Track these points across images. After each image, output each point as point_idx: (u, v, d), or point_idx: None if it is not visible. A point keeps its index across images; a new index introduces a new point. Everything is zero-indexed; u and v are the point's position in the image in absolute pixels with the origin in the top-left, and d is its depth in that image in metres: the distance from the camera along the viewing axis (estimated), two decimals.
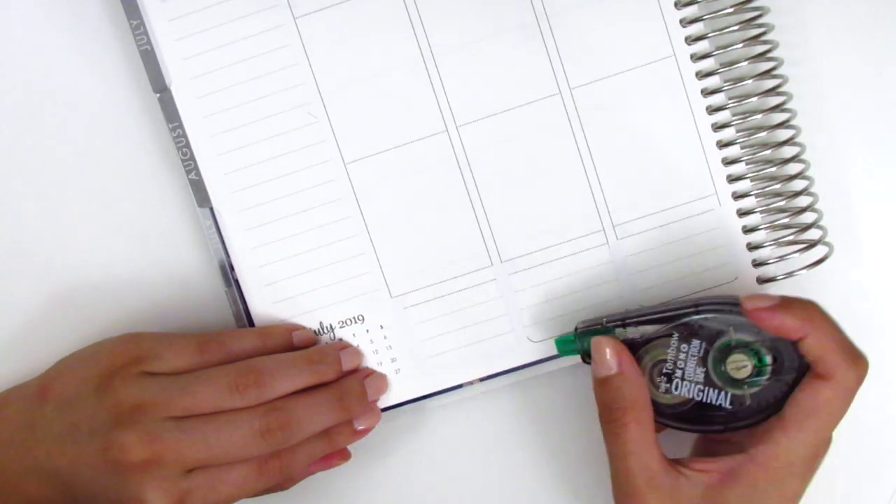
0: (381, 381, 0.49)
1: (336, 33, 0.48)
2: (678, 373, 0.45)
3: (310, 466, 0.48)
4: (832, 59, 0.50)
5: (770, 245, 0.49)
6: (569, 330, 0.48)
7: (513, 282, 0.49)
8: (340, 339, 0.50)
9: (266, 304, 0.49)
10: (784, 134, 0.48)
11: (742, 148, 0.48)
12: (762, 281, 0.49)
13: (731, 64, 0.47)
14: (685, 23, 0.47)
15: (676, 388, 0.46)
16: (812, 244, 0.48)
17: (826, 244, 0.49)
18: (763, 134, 0.48)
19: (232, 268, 0.49)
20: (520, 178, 0.49)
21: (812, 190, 0.49)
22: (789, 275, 0.49)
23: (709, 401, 0.45)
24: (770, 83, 0.48)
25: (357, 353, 0.49)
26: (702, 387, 0.45)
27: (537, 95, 0.48)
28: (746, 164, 0.48)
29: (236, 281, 0.49)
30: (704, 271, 0.49)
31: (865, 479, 0.53)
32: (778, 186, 0.48)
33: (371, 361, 0.50)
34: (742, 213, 0.49)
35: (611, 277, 0.49)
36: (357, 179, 0.49)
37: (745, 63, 0.47)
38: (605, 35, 0.48)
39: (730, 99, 0.48)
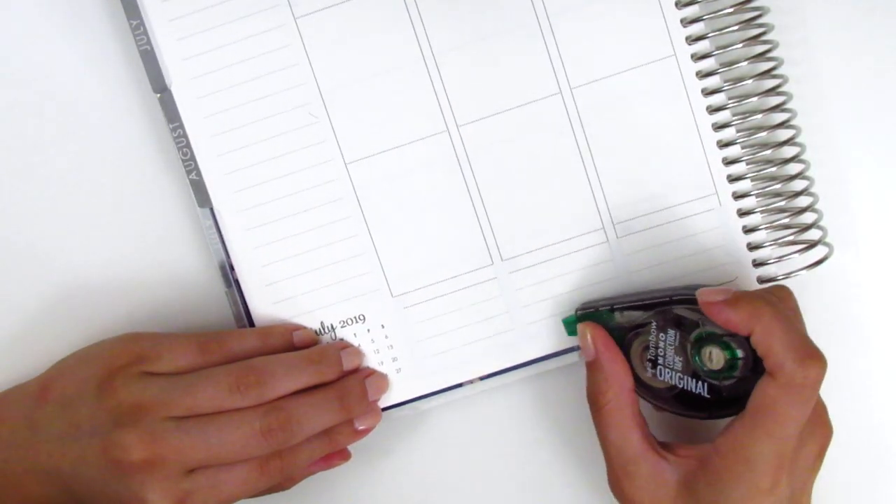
0: (381, 380, 0.49)
1: (336, 33, 0.48)
2: (660, 360, 0.46)
3: (310, 466, 0.48)
4: (832, 59, 0.50)
5: (770, 245, 0.49)
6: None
7: (513, 280, 0.49)
8: (341, 339, 0.50)
9: (266, 305, 0.49)
10: (784, 134, 0.48)
11: (742, 148, 0.48)
12: (762, 281, 0.49)
13: (731, 64, 0.48)
14: (686, 22, 0.47)
15: (660, 374, 0.46)
16: (812, 244, 0.48)
17: (826, 244, 0.49)
18: (763, 134, 0.48)
19: (232, 268, 0.49)
20: (520, 178, 0.49)
21: (812, 190, 0.49)
22: (789, 275, 0.49)
23: (688, 389, 0.46)
24: (770, 83, 0.48)
25: (358, 352, 0.49)
26: (681, 375, 0.46)
27: (538, 95, 0.48)
28: (747, 163, 0.48)
29: (236, 281, 0.49)
30: (704, 271, 0.49)
31: (868, 478, 0.53)
32: (778, 186, 0.48)
33: (372, 361, 0.50)
34: (742, 213, 0.49)
35: (611, 276, 0.49)
36: (358, 179, 0.49)
37: (746, 63, 0.47)
38: (605, 35, 0.48)
39: (730, 99, 0.48)
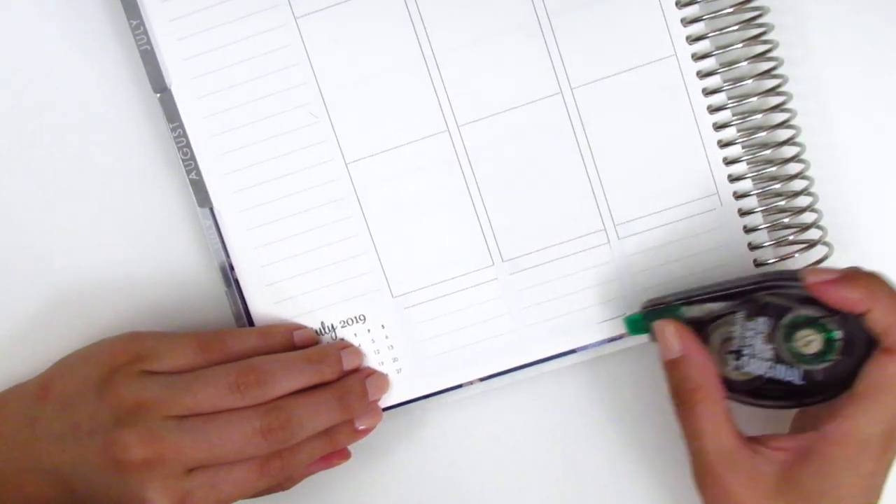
0: (382, 380, 0.49)
1: (337, 33, 0.48)
2: (746, 350, 0.45)
3: (310, 466, 0.48)
4: (832, 59, 0.50)
5: (770, 245, 0.49)
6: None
7: (514, 281, 0.49)
8: (342, 339, 0.50)
9: (266, 305, 0.49)
10: (784, 134, 0.48)
11: (743, 148, 0.48)
12: None
13: (731, 64, 0.48)
14: (686, 22, 0.47)
15: (745, 366, 0.45)
16: (812, 244, 0.48)
17: (826, 244, 0.49)
18: (763, 134, 0.48)
19: (232, 268, 0.49)
20: (521, 178, 0.49)
21: (812, 190, 0.49)
22: None
23: (779, 377, 0.45)
24: (770, 83, 0.48)
25: (358, 352, 0.49)
26: (771, 363, 0.45)
27: (538, 95, 0.48)
28: (747, 163, 0.48)
29: (236, 281, 0.49)
30: (705, 271, 0.49)
31: None
32: (778, 186, 0.48)
33: (372, 361, 0.50)
34: (743, 213, 0.49)
35: (612, 277, 0.49)
36: (358, 179, 0.49)
37: (746, 63, 0.47)
38: (606, 34, 0.48)
39: (730, 99, 0.48)
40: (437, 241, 0.49)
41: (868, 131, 0.51)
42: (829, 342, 0.44)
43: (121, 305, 0.51)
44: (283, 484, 0.47)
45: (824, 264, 0.49)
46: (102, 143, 0.50)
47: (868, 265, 0.50)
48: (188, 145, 0.48)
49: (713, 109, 0.48)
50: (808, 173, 0.49)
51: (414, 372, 0.50)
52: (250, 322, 0.49)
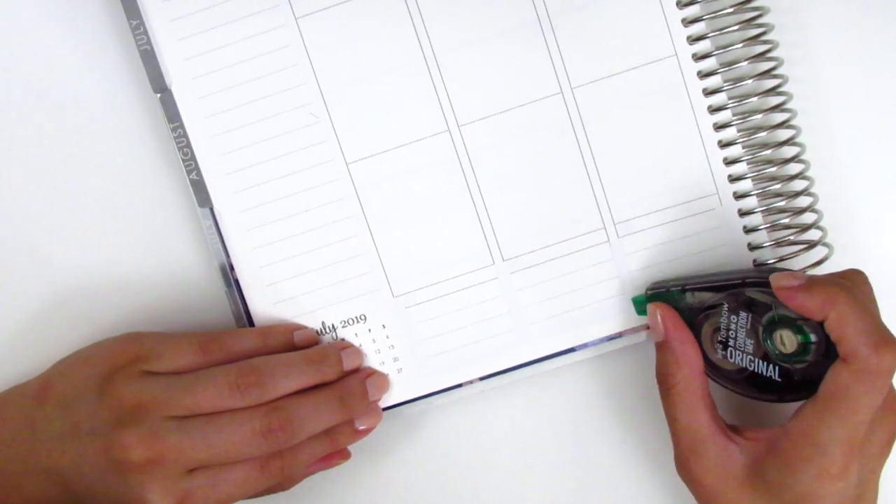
0: (382, 380, 0.49)
1: (337, 33, 0.48)
2: (731, 342, 0.46)
3: (310, 466, 0.48)
4: (832, 59, 0.50)
5: (770, 245, 0.49)
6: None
7: (514, 280, 0.49)
8: (342, 339, 0.50)
9: (267, 305, 0.49)
10: (784, 134, 0.48)
11: (743, 148, 0.48)
12: None
13: (731, 64, 0.48)
14: (686, 22, 0.47)
15: (731, 357, 0.46)
16: (812, 244, 0.48)
17: (826, 245, 0.49)
18: (764, 134, 0.48)
19: (232, 268, 0.49)
20: (521, 177, 0.49)
21: (812, 190, 0.49)
22: None
23: (759, 371, 0.45)
24: (770, 83, 0.48)
25: (358, 352, 0.49)
26: (752, 357, 0.45)
27: (539, 95, 0.48)
28: (747, 164, 0.48)
29: (236, 281, 0.49)
30: (705, 271, 0.49)
31: None
32: (778, 186, 0.49)
33: (373, 361, 0.50)
34: (743, 213, 0.49)
35: (612, 275, 0.49)
36: (359, 179, 0.49)
37: (746, 63, 0.47)
38: (606, 34, 0.48)
39: (730, 99, 0.48)
40: (438, 241, 0.49)
41: (868, 131, 0.51)
42: (804, 344, 0.44)
43: (121, 305, 0.51)
44: (283, 484, 0.47)
45: (825, 265, 0.49)
46: (102, 143, 0.50)
47: (868, 265, 0.50)
48: (188, 145, 0.48)
49: (713, 109, 0.48)
50: (808, 173, 0.49)
51: (414, 371, 0.50)
52: (250, 322, 0.49)
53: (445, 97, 0.48)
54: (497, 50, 0.48)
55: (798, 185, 0.49)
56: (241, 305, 0.49)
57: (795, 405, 0.45)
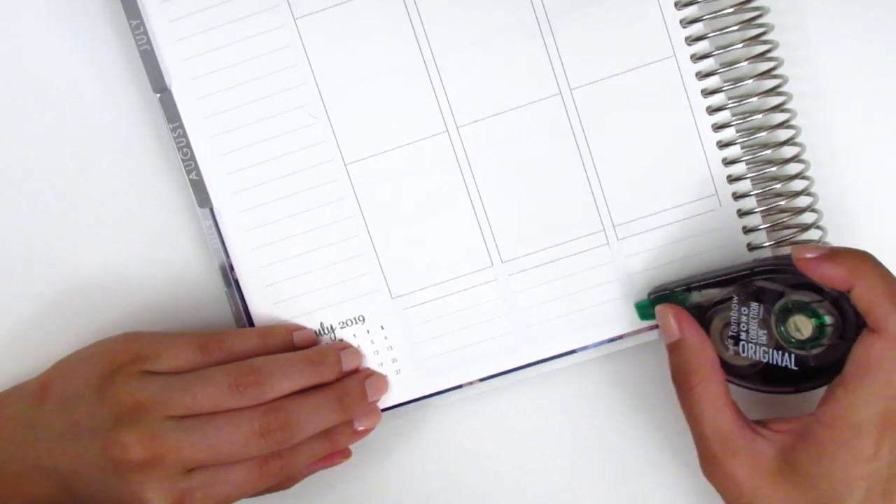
0: (381, 381, 0.49)
1: (336, 34, 0.48)
2: (743, 335, 0.45)
3: (310, 466, 0.48)
4: (832, 59, 0.50)
5: (770, 245, 0.49)
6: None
7: (513, 282, 0.49)
8: (341, 340, 0.50)
9: (266, 305, 0.49)
10: (784, 134, 0.48)
11: (742, 148, 0.48)
12: None
13: (731, 64, 0.48)
14: (685, 23, 0.47)
15: (743, 351, 0.46)
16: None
17: (826, 245, 0.49)
18: (763, 134, 0.48)
19: (232, 268, 0.49)
20: (520, 179, 0.49)
21: (812, 190, 0.49)
22: None
23: (774, 362, 0.45)
24: (770, 83, 0.48)
25: (357, 353, 0.49)
26: (766, 349, 0.45)
27: (538, 96, 0.48)
28: (747, 164, 0.48)
29: (236, 281, 0.49)
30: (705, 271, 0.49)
31: None
32: (778, 186, 0.48)
33: (372, 362, 0.50)
34: (742, 214, 0.49)
35: (611, 278, 0.49)
36: (357, 180, 0.49)
37: (745, 63, 0.47)
38: (605, 35, 0.48)
39: (730, 99, 0.48)
40: (437, 242, 0.49)
41: (868, 131, 0.51)
42: (820, 327, 0.44)
43: (121, 305, 0.51)
44: (282, 484, 0.47)
45: None
46: (102, 143, 0.50)
47: None
48: (188, 145, 0.49)
49: (712, 110, 0.48)
50: (807, 173, 0.49)
51: (413, 373, 0.50)
52: (250, 322, 0.50)
53: (444, 98, 0.48)
54: (496, 51, 0.48)
55: (798, 184, 0.49)
56: (240, 305, 0.50)
57: (797, 401, 0.45)
